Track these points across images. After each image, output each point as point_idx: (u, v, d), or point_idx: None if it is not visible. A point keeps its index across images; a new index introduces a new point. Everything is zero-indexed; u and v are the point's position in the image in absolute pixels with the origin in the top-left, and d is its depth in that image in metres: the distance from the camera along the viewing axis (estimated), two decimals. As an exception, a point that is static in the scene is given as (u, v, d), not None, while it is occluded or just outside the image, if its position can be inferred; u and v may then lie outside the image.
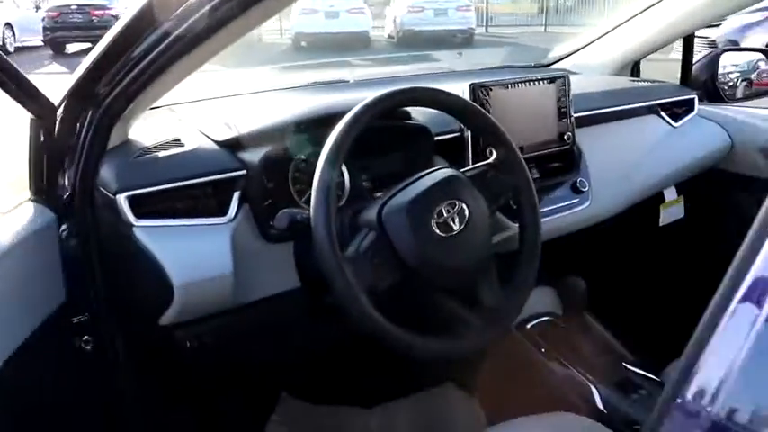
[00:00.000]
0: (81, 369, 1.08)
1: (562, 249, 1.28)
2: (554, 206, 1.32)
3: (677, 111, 1.64)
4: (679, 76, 1.76)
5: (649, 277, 1.71)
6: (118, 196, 0.93)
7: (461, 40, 11.31)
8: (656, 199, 1.60)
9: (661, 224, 1.63)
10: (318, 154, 0.86)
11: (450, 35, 11.17)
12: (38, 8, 11.97)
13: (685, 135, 1.60)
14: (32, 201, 1.01)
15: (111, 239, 1.00)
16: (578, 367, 1.20)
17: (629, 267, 1.70)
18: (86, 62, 0.91)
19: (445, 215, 0.90)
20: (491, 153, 1.06)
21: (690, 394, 0.44)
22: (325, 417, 1.51)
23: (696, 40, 1.73)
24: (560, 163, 1.36)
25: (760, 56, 1.84)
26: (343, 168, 1.08)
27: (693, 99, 1.67)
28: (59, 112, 0.96)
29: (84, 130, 0.96)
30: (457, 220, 0.91)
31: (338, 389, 1.54)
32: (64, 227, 0.99)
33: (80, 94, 0.94)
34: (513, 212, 1.10)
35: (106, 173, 0.96)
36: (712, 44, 5.73)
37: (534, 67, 1.91)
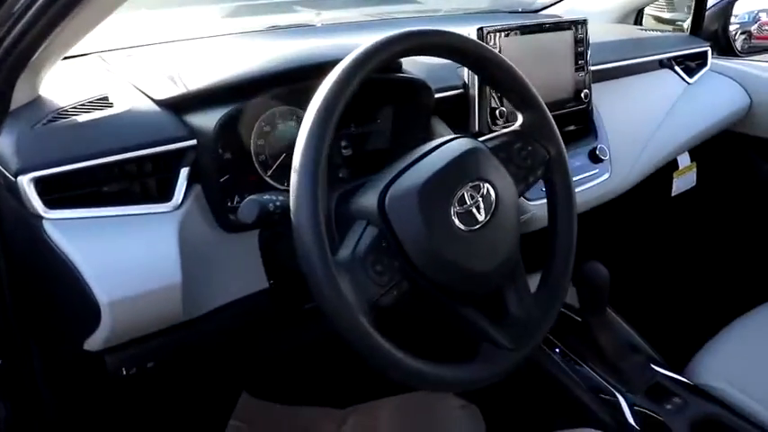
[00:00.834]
0: None
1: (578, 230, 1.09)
2: None
3: (690, 65, 1.48)
4: (687, 25, 1.58)
5: (664, 258, 1.57)
6: (20, 178, 0.70)
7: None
8: (669, 166, 1.43)
9: (673, 194, 1.46)
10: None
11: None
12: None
13: (702, 92, 1.44)
14: None
15: (16, 236, 0.77)
16: (602, 372, 1.02)
17: (641, 248, 1.55)
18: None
19: (468, 201, 0.69)
20: (512, 117, 0.84)
21: None
22: (290, 418, 1.33)
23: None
24: (576, 126, 1.16)
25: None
26: None
27: (707, 51, 1.51)
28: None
29: None
30: (482, 207, 0.70)
31: (309, 388, 1.36)
32: None
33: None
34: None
35: (4, 145, 0.73)
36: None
37: (522, 12, 1.69)
